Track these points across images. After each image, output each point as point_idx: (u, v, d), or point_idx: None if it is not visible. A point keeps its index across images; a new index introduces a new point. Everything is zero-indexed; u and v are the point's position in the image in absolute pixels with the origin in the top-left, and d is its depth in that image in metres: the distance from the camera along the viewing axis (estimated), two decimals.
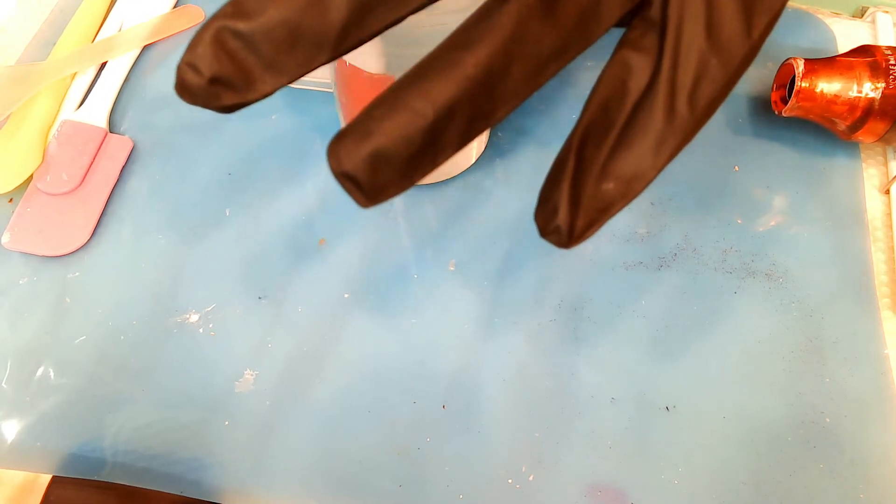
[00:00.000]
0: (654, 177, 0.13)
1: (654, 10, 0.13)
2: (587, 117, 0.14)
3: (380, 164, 0.12)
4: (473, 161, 0.32)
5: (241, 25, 0.11)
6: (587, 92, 0.14)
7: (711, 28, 0.13)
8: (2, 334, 0.27)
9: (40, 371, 0.27)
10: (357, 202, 0.12)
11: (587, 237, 0.13)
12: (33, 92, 0.32)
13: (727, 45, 0.13)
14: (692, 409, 0.27)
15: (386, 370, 0.27)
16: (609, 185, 0.13)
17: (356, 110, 0.27)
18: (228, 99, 0.12)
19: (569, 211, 0.13)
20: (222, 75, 0.12)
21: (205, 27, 0.12)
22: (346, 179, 0.12)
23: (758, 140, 0.34)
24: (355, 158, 0.11)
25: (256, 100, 0.12)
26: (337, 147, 0.12)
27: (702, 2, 0.13)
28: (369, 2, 0.12)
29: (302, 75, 0.12)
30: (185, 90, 0.12)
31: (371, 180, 0.12)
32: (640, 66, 0.13)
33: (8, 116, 0.31)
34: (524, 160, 0.33)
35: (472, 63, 0.12)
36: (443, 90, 0.12)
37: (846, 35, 0.38)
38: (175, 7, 0.37)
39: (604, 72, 0.14)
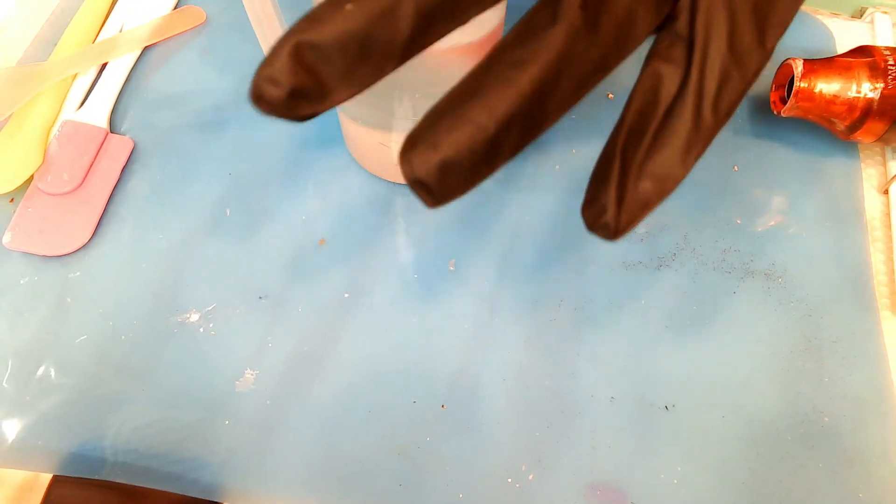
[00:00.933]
0: (684, 176, 0.15)
1: (681, 25, 0.15)
2: (628, 121, 0.15)
3: (448, 171, 0.13)
4: None
5: (317, 38, 0.12)
6: None
7: (733, 43, 0.15)
8: (2, 334, 0.27)
9: (41, 371, 0.27)
10: (425, 204, 0.14)
11: (629, 231, 0.15)
12: (34, 92, 0.32)
13: (745, 57, 0.15)
14: (692, 408, 0.27)
15: (386, 370, 0.28)
16: (646, 184, 0.15)
17: (355, 109, 0.27)
18: (304, 109, 0.13)
19: (615, 209, 0.15)
20: (301, 87, 0.12)
21: (281, 42, 0.12)
22: (418, 185, 0.13)
23: (757, 140, 0.34)
24: (427, 166, 0.13)
25: (329, 108, 0.13)
26: (410, 155, 0.13)
27: (725, 19, 0.15)
28: (432, 12, 0.13)
29: (372, 84, 0.13)
30: (263, 102, 0.12)
31: (440, 186, 0.13)
32: (669, 76, 0.15)
33: (9, 117, 0.31)
34: (524, 160, 0.33)
35: (526, 81, 0.13)
36: (502, 105, 0.13)
37: (845, 35, 0.38)
38: (176, 8, 0.37)
39: (639, 80, 0.15)
